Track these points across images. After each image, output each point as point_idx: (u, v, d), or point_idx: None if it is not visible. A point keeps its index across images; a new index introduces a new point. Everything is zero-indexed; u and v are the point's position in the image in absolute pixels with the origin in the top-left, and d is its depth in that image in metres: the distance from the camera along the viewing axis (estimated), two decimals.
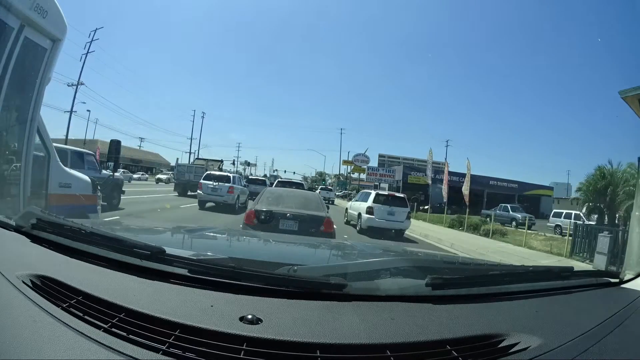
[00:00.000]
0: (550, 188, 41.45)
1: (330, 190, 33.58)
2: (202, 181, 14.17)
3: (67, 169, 4.13)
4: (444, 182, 20.76)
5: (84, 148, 12.35)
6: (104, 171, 10.03)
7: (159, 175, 36.51)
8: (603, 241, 8.36)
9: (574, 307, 1.07)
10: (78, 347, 0.67)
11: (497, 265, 1.60)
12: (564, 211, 21.00)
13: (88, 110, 36.55)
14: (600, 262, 8.08)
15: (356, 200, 13.51)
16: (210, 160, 24.83)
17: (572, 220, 14.87)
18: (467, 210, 17.24)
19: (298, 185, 16.83)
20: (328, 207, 6.43)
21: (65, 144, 15.92)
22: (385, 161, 63.46)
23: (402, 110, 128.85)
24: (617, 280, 1.31)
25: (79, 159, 9.24)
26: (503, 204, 25.54)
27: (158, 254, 0.95)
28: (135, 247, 0.97)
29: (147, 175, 40.16)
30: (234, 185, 14.29)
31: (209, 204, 13.92)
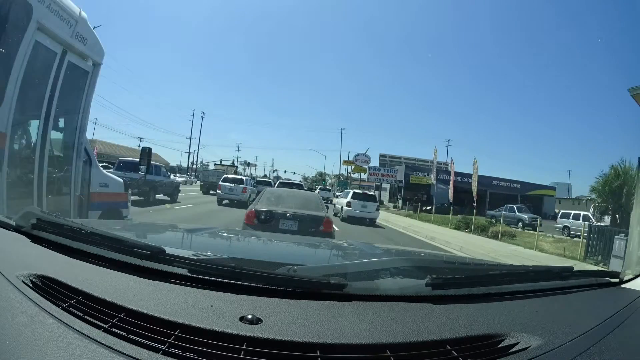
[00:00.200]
0: (552, 188, 41.19)
1: (329, 190, 34.11)
2: (220, 183, 17.41)
3: (105, 172, 4.77)
4: (451, 182, 20.40)
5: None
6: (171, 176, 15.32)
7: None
8: (619, 244, 7.81)
9: (574, 307, 1.07)
10: (78, 347, 0.67)
11: (497, 265, 1.60)
12: (572, 212, 20.54)
13: None
14: (616, 266, 7.57)
15: (340, 197, 18.19)
16: (228, 166, 32.93)
17: (586, 222, 14.32)
18: (475, 211, 16.91)
19: (297, 186, 17.80)
20: (327, 207, 6.53)
21: None
22: (387, 161, 63.07)
23: (403, 110, 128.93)
24: (617, 280, 1.31)
25: (157, 169, 14.13)
26: (509, 205, 25.09)
27: (158, 254, 0.95)
28: (135, 247, 0.98)
29: (184, 177, 39.73)
30: (247, 186, 17.59)
31: (224, 201, 16.84)
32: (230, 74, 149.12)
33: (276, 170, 72.87)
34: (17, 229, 1.23)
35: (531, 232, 18.29)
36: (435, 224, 18.54)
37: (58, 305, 0.79)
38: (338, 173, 56.21)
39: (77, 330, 0.71)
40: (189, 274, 0.91)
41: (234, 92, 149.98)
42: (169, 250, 0.98)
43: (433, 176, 25.30)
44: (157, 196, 14.64)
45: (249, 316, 0.76)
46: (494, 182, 34.45)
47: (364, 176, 42.33)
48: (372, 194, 17.43)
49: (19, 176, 2.99)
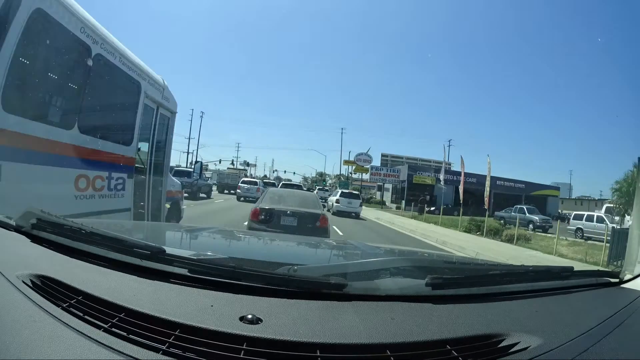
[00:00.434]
0: (556, 188, 40.68)
1: (327, 190, 35.13)
2: (240, 184, 23.47)
3: (172, 178, 7.02)
4: (461, 182, 19.99)
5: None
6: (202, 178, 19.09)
7: None
8: None
9: (574, 307, 1.07)
10: (78, 347, 0.67)
11: (497, 265, 1.60)
12: (585, 213, 19.76)
13: None
14: None
15: (331, 196, 23.81)
16: (240, 169, 41.32)
17: (600, 224, 13.75)
18: (487, 213, 16.18)
19: (297, 187, 20.93)
20: (324, 206, 7.00)
21: None
22: (388, 161, 62.63)
23: (404, 110, 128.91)
24: (617, 280, 1.31)
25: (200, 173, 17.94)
26: (518, 206, 24.45)
27: (158, 254, 0.95)
28: (136, 246, 0.98)
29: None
30: (260, 187, 22.38)
31: (241, 198, 22.00)
32: (230, 74, 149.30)
33: (276, 170, 73.00)
34: (17, 229, 1.23)
35: (542, 234, 17.69)
36: (443, 227, 17.87)
37: (58, 305, 0.79)
38: (339, 173, 56.04)
39: (77, 330, 0.71)
40: (189, 273, 0.91)
41: (234, 92, 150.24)
42: (169, 250, 0.98)
43: (442, 176, 24.30)
44: (200, 195, 20.05)
45: (249, 316, 0.76)
46: (498, 183, 33.05)
47: (365, 176, 42.03)
48: (357, 193, 22.59)
49: (140, 181, 4.83)
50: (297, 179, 58.33)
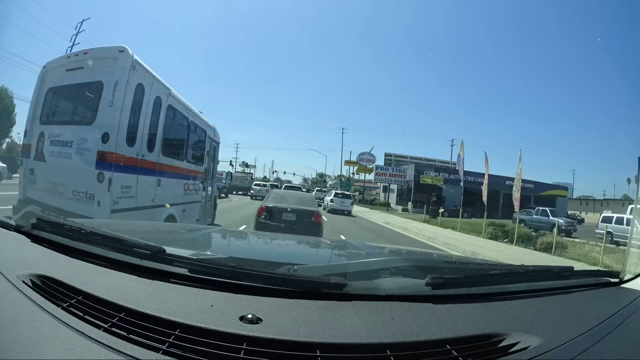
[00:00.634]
0: (565, 188, 39.19)
1: (325, 191, 35.52)
2: (252, 186, 30.08)
3: (215, 185, 9.80)
4: (485, 180, 16.86)
5: None
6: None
7: None
8: None
9: (574, 307, 1.07)
10: (78, 347, 0.67)
11: (497, 265, 1.60)
12: (615, 215, 17.84)
13: None
14: None
15: (326, 195, 27.11)
16: (247, 173, 49.67)
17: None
18: (516, 216, 14.49)
19: (297, 189, 25.72)
20: (320, 205, 8.43)
21: None
22: (392, 160, 60.70)
23: (406, 110, 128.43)
24: (617, 280, 1.31)
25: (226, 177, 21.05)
26: (541, 207, 22.32)
27: (158, 254, 0.95)
28: (136, 246, 0.98)
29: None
30: (269, 189, 25.45)
31: (253, 197, 26.05)
32: (229, 74, 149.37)
33: (276, 171, 73.07)
34: (17, 229, 1.23)
35: (568, 239, 15.23)
36: (463, 232, 15.31)
37: (58, 305, 0.79)
38: (339, 174, 55.69)
39: (77, 330, 0.71)
40: (189, 273, 0.91)
41: (234, 92, 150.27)
42: (169, 250, 0.98)
43: (461, 175, 20.35)
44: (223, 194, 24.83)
45: (249, 316, 0.76)
46: (507, 183, 28.60)
47: (368, 177, 41.15)
48: (348, 193, 26.04)
49: (204, 186, 7.79)
50: (297, 180, 61.01)
